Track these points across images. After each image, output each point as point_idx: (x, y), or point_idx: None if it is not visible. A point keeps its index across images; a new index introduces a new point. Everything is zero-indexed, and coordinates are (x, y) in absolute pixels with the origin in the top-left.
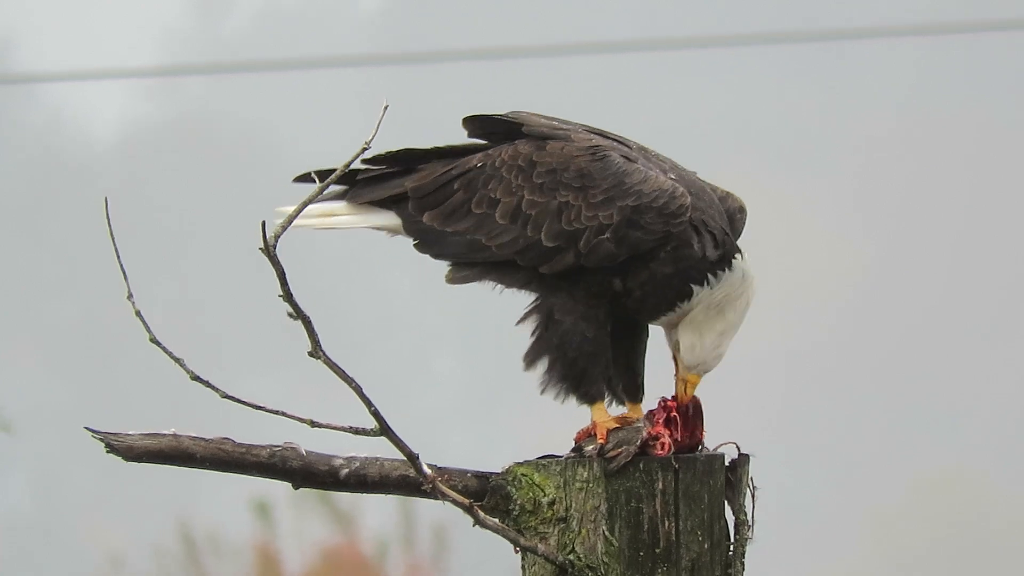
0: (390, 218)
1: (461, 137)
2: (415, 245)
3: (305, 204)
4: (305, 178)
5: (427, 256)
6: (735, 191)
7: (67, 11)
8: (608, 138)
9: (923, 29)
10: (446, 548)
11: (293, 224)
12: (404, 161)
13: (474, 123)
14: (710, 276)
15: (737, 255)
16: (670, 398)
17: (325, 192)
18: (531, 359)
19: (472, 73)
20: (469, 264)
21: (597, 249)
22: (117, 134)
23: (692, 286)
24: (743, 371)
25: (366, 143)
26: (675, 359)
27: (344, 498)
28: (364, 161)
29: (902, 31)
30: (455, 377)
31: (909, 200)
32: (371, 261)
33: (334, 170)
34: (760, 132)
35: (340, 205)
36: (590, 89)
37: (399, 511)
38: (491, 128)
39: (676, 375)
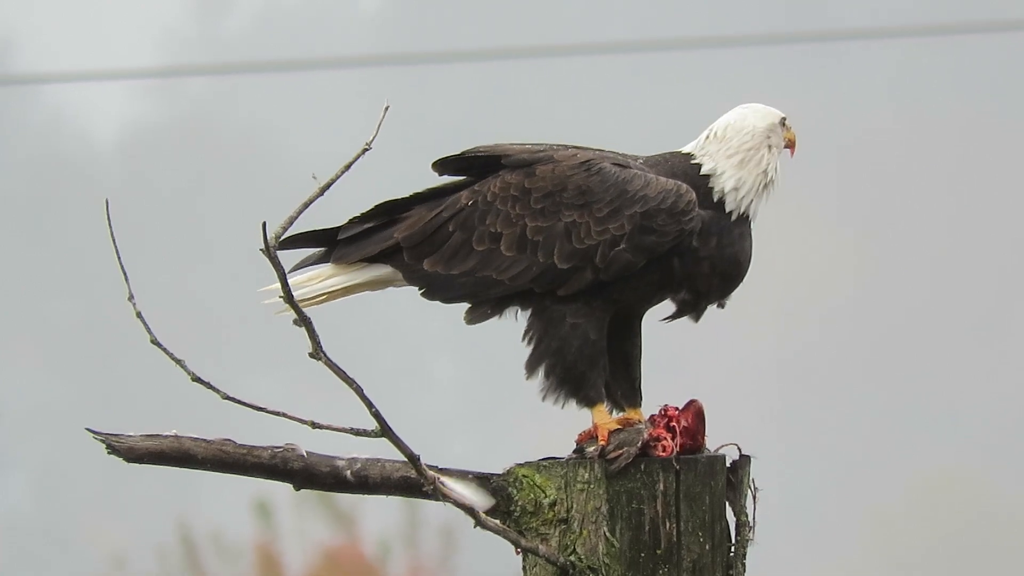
0: (385, 272)
1: (461, 136)
2: (422, 293)
3: (306, 205)
4: (292, 242)
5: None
6: None
7: (68, 12)
8: (586, 150)
9: (918, 31)
10: (454, 549)
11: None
12: (385, 213)
13: (445, 164)
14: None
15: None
16: (671, 406)
17: (306, 257)
18: (532, 366)
19: (472, 74)
20: (484, 301)
21: (616, 261)
22: (118, 134)
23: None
24: (743, 371)
25: (367, 144)
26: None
27: (345, 499)
28: (342, 227)
29: (897, 32)
30: (455, 378)
31: (908, 199)
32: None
33: (318, 230)
34: None
35: (327, 268)
36: (588, 90)
37: (401, 512)
38: (465, 165)
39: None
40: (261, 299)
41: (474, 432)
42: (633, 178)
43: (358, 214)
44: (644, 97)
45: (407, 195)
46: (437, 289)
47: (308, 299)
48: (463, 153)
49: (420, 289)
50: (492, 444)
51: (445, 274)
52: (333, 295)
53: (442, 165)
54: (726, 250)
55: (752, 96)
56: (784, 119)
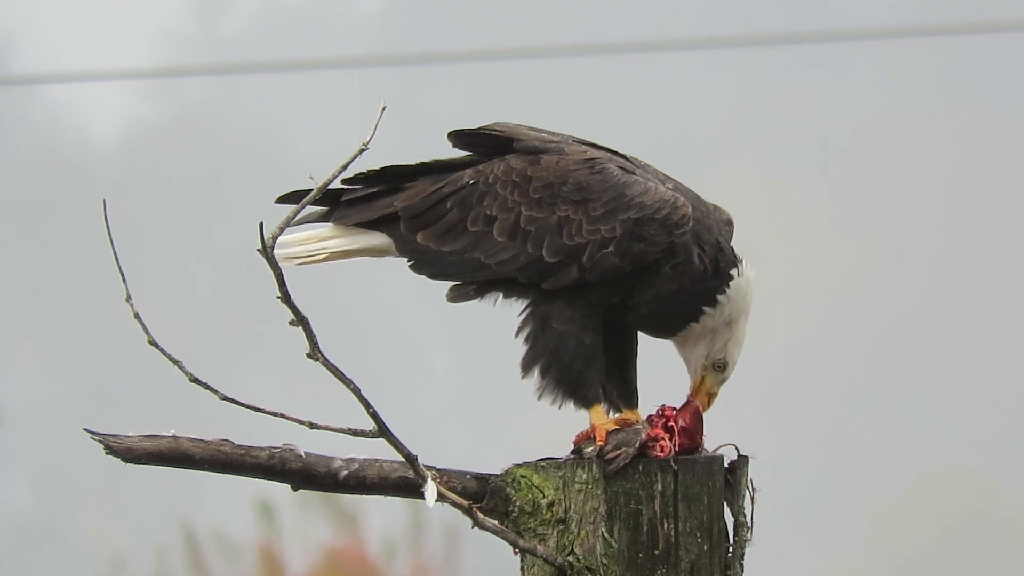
0: (381, 239)
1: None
2: (411, 266)
3: (304, 204)
4: (288, 198)
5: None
6: (729, 190)
7: (67, 12)
8: (600, 149)
9: (918, 31)
10: (457, 549)
11: (282, 256)
12: (389, 179)
13: (459, 137)
14: (719, 297)
15: (734, 268)
16: (669, 406)
17: (307, 214)
18: (527, 366)
19: (472, 74)
20: (468, 283)
21: (601, 263)
22: (117, 134)
23: (703, 307)
24: (741, 371)
25: (364, 143)
26: (697, 372)
27: (348, 499)
28: (346, 181)
29: (897, 33)
30: (452, 378)
31: (907, 198)
32: (368, 261)
33: (311, 191)
34: (751, 132)
35: (326, 228)
36: (588, 90)
37: (404, 512)
38: (477, 142)
39: (697, 388)
40: (259, 299)
41: (471, 428)
42: (633, 183)
43: (364, 171)
44: (644, 97)
45: (414, 164)
46: (425, 264)
47: (304, 257)
48: (480, 128)
49: (409, 262)
50: (489, 441)
51: (436, 250)
52: (331, 256)
53: (457, 136)
54: (668, 305)
55: (753, 96)
56: (721, 364)
